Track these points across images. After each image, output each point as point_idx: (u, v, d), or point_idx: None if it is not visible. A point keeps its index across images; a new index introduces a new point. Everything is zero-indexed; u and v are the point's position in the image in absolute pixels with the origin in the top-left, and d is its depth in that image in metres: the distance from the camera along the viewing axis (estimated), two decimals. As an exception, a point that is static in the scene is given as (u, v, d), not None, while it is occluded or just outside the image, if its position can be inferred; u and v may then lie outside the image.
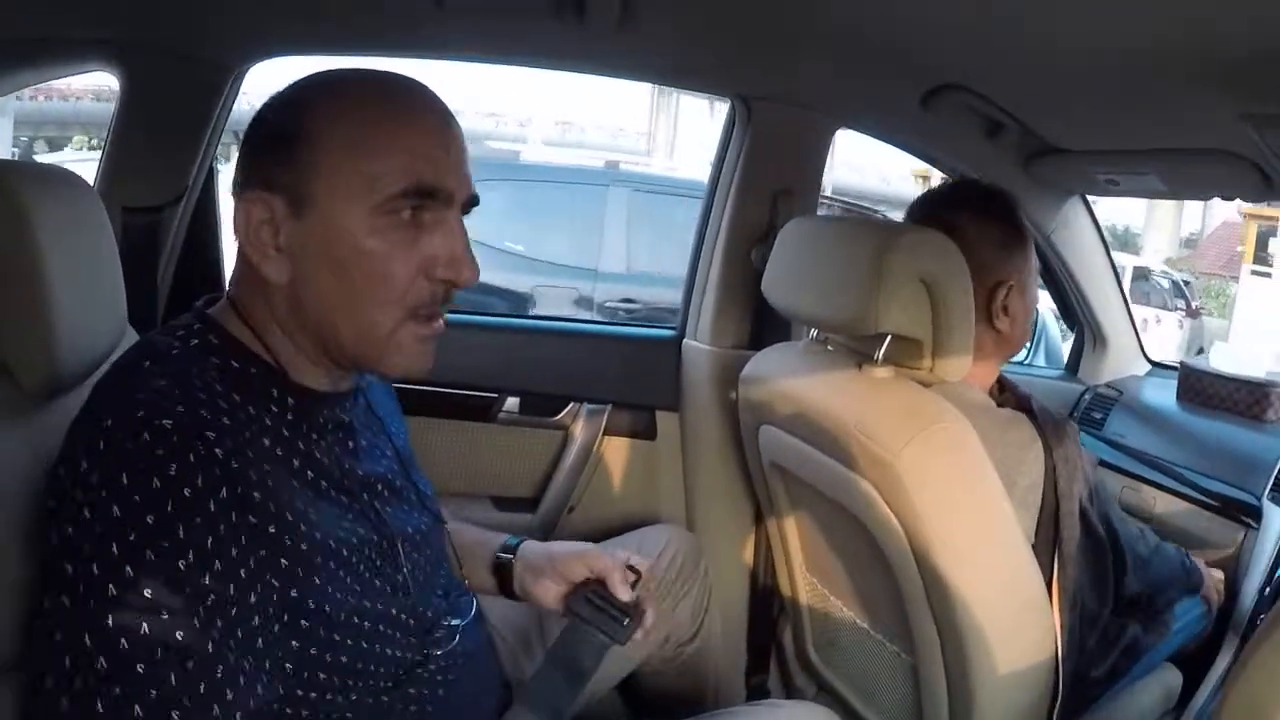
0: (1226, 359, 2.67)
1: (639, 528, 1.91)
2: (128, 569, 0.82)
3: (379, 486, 1.14)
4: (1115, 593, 1.58)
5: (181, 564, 0.84)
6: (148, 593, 0.82)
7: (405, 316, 1.01)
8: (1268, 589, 2.03)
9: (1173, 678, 1.91)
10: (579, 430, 2.11)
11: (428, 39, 1.84)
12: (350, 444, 1.12)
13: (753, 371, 1.75)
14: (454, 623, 1.20)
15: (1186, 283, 13.61)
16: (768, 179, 2.00)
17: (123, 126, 1.74)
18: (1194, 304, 12.94)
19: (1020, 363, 3.22)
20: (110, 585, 0.82)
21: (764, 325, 2.00)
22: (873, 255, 1.42)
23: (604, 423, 2.11)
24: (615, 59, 1.94)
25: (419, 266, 1.00)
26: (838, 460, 1.50)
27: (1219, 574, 1.93)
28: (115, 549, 0.82)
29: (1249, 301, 10.90)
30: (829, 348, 1.69)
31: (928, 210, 1.69)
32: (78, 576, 0.82)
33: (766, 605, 2.04)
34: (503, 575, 1.42)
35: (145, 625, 0.81)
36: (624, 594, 1.29)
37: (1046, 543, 1.47)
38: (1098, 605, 1.53)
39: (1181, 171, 2.09)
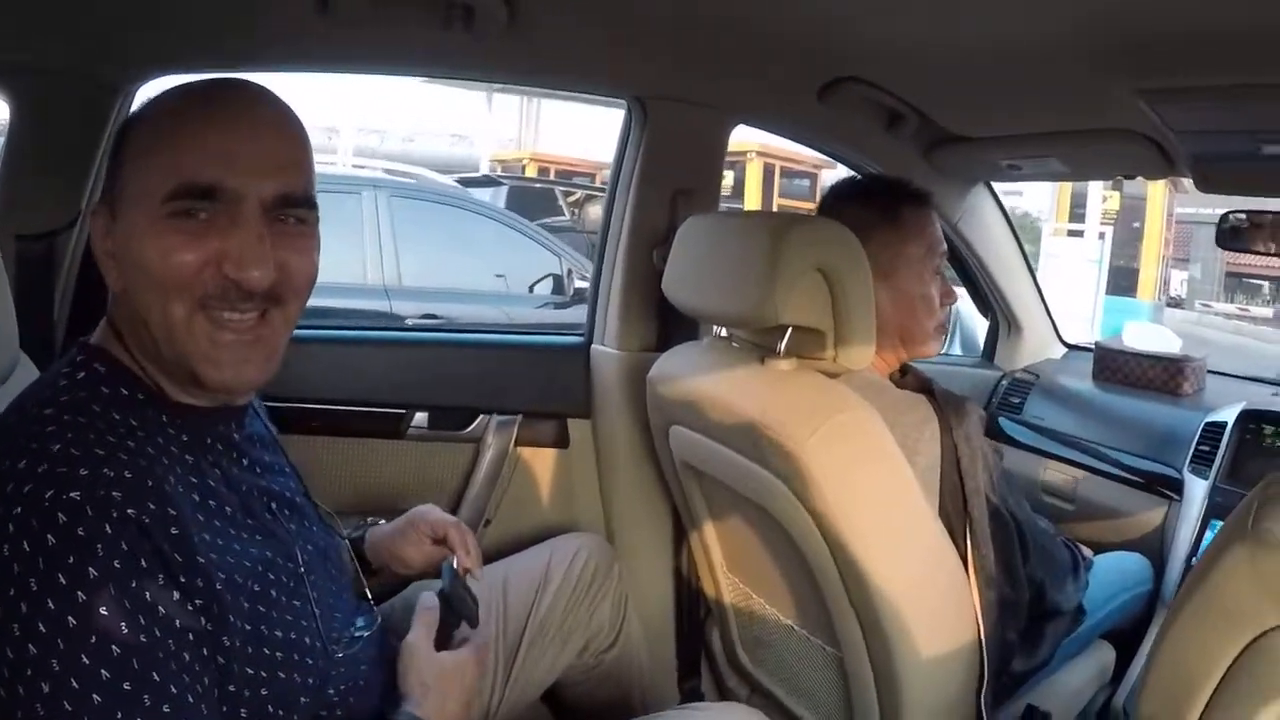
0: (1140, 337, 2.71)
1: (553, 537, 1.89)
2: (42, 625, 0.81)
3: (279, 504, 1.13)
4: (1025, 579, 1.57)
5: (101, 620, 0.83)
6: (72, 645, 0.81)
7: (195, 307, 0.98)
8: (1194, 559, 2.06)
9: (1106, 654, 1.93)
10: (490, 442, 2.07)
11: (316, 52, 1.80)
12: (245, 461, 1.10)
13: (659, 372, 1.73)
14: (356, 635, 1.19)
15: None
16: (667, 179, 1.98)
17: (12, 152, 1.68)
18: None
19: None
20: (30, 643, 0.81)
21: (671, 326, 1.98)
22: (768, 247, 1.41)
23: (515, 433, 2.08)
24: (506, 65, 1.92)
25: (207, 259, 0.97)
26: (745, 456, 1.48)
27: (1089, 551, 1.93)
28: (24, 608, 0.81)
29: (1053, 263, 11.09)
30: (734, 344, 1.68)
31: (824, 204, 1.71)
32: None
33: (692, 608, 2.02)
34: (357, 551, 1.45)
35: (74, 680, 0.81)
36: (463, 554, 1.41)
37: (957, 522, 1.47)
38: (1012, 590, 1.53)
39: (1083, 153, 2.13)
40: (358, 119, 14.32)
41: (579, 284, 6.11)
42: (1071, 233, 12.23)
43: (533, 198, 9.18)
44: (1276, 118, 1.59)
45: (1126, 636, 1.99)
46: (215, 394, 1.04)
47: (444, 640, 1.27)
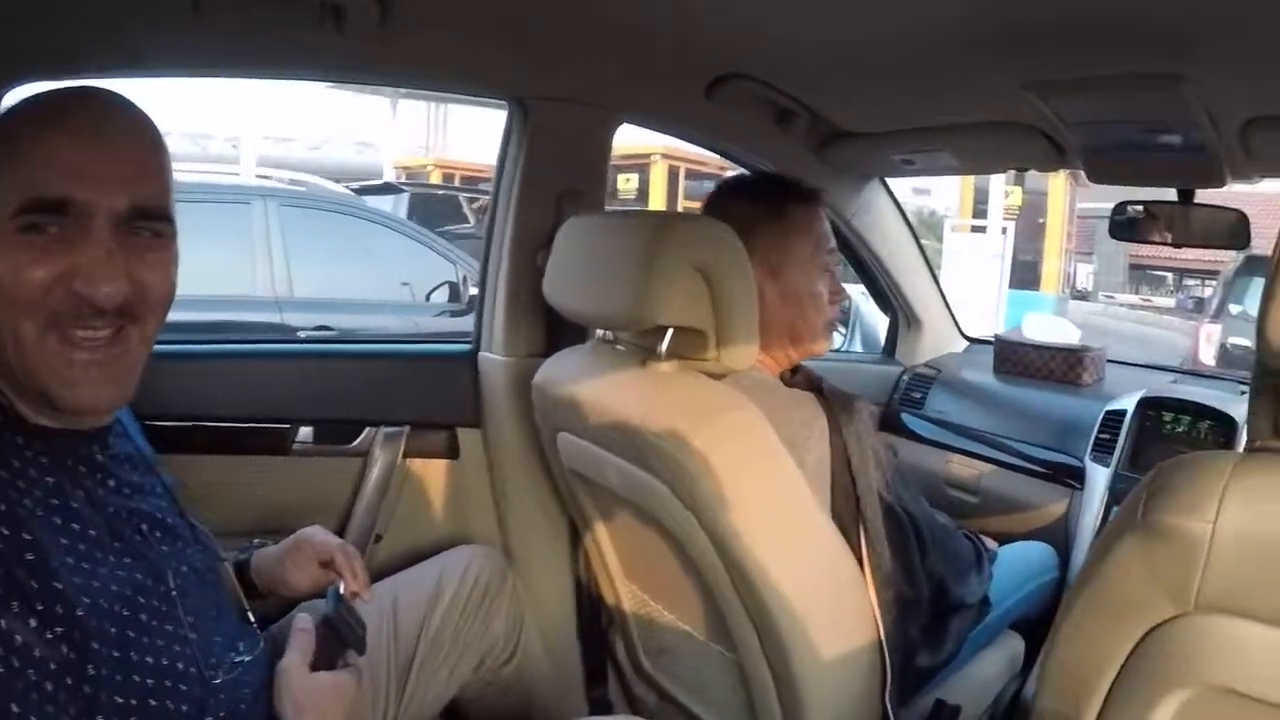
0: (1040, 329, 2.74)
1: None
2: None
3: (150, 526, 1.09)
4: (924, 576, 1.56)
5: None
6: None
7: (47, 325, 0.94)
8: None
9: (1016, 644, 1.93)
10: (378, 455, 2.00)
11: (187, 55, 1.72)
12: (112, 483, 1.07)
13: (544, 378, 1.69)
14: (238, 660, 1.15)
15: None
16: (551, 180, 1.93)
17: None
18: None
19: (838, 350, 3.26)
20: None
21: (559, 331, 1.93)
22: (644, 246, 1.37)
23: (403, 445, 2.01)
24: (381, 67, 1.85)
25: (57, 275, 0.94)
26: (630, 461, 1.45)
27: (993, 543, 1.95)
28: None
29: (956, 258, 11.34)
30: (618, 346, 1.65)
31: (710, 201, 1.68)
32: None
33: (594, 616, 1.97)
34: (243, 575, 1.41)
35: None
36: (349, 578, 1.37)
37: (850, 521, 1.45)
38: (911, 588, 1.51)
39: (975, 146, 2.14)
40: (263, 128, 14.09)
41: (474, 291, 6.02)
42: (975, 228, 12.47)
43: (437, 205, 9.11)
44: (1165, 107, 1.60)
45: (1035, 626, 1.99)
46: (71, 415, 1.00)
47: (327, 664, 1.23)
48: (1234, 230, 1.98)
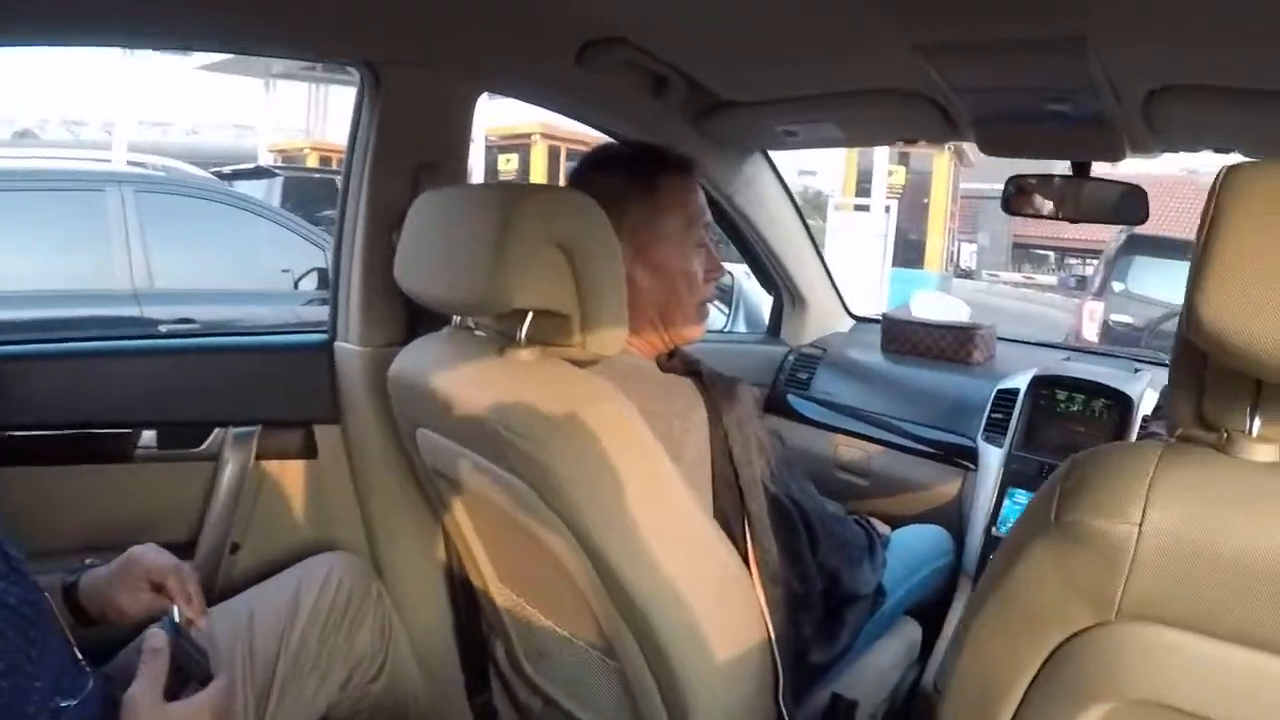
0: (928, 307, 2.72)
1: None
2: None
3: None
4: (815, 569, 1.49)
5: None
6: None
7: None
8: (994, 528, 2.11)
9: (913, 631, 1.88)
10: (229, 458, 1.84)
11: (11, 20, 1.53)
12: None
13: (399, 370, 1.55)
14: (63, 705, 1.03)
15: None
16: (407, 153, 1.77)
17: None
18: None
19: (720, 330, 3.20)
20: None
21: (419, 316, 1.79)
22: (498, 222, 1.24)
23: (255, 446, 1.85)
24: (217, 31, 1.68)
25: None
26: (491, 460, 1.33)
27: (885, 527, 1.91)
28: None
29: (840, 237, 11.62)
30: (477, 332, 1.52)
31: (575, 173, 1.56)
32: None
33: (472, 621, 1.86)
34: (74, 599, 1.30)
35: None
36: (183, 603, 1.25)
37: (734, 515, 1.36)
38: (801, 584, 1.44)
39: (861, 116, 2.08)
40: (138, 113, 13.60)
41: None
42: (858, 207, 12.62)
43: (312, 189, 8.76)
44: (1066, 74, 1.54)
45: (931, 611, 1.98)
46: None
47: (177, 691, 1.12)
48: (1130, 205, 1.96)
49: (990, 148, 1.95)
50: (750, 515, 1.36)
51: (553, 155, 12.04)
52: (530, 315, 1.29)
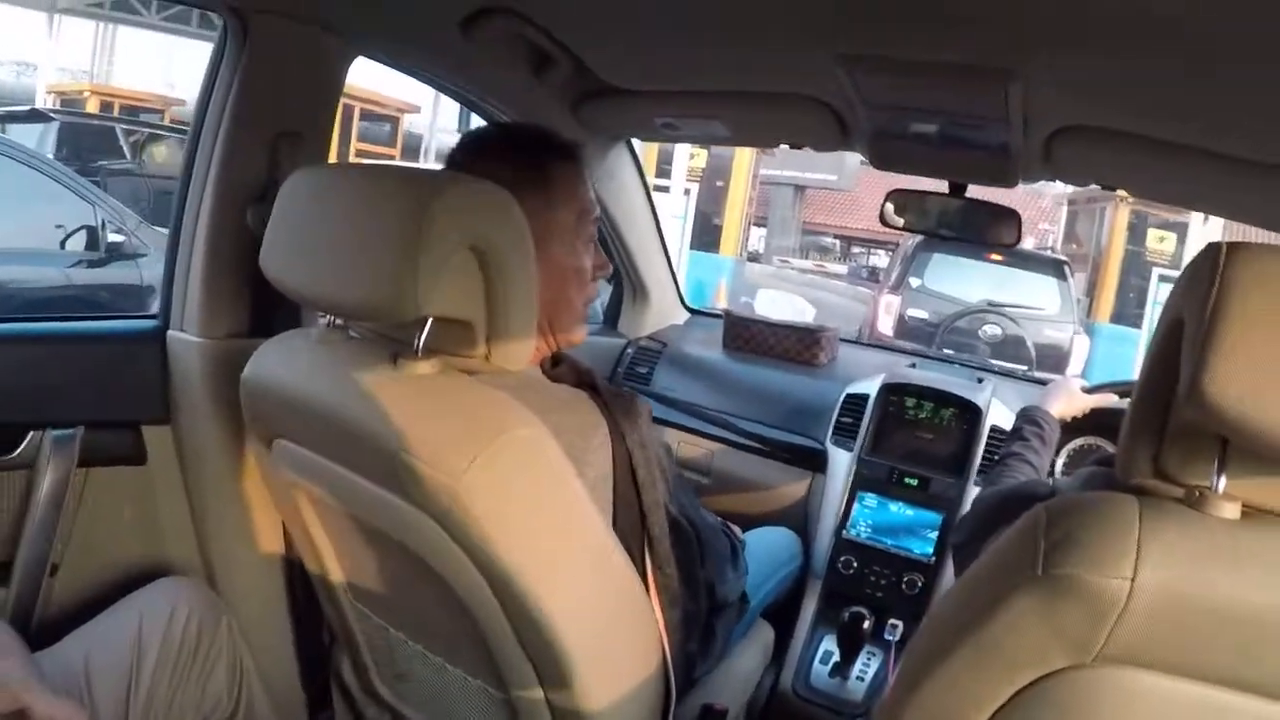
0: (771, 305, 2.72)
1: (141, 584, 1.52)
2: None
3: None
4: (705, 585, 1.46)
5: None
6: None
7: None
8: (844, 530, 2.15)
9: (767, 633, 1.90)
10: (45, 466, 1.55)
11: None
12: None
13: (256, 371, 1.35)
14: None
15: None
16: (269, 118, 1.56)
17: None
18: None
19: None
20: None
21: (271, 305, 1.58)
22: (409, 216, 1.08)
23: (76, 451, 1.58)
24: None
25: None
26: (380, 485, 1.18)
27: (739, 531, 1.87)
28: None
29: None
30: (352, 334, 1.35)
31: (453, 161, 1.41)
32: None
33: (313, 634, 1.71)
34: None
35: None
36: None
37: (633, 537, 1.29)
38: (694, 604, 1.40)
39: (753, 117, 2.02)
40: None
41: (114, 238, 5.47)
42: (658, 188, 12.73)
43: (91, 137, 8.08)
44: (984, 103, 1.53)
45: (781, 612, 2.01)
46: None
47: None
48: (1008, 228, 2.01)
49: (881, 161, 1.97)
50: (652, 539, 1.31)
51: (345, 115, 11.50)
52: (430, 322, 1.14)
